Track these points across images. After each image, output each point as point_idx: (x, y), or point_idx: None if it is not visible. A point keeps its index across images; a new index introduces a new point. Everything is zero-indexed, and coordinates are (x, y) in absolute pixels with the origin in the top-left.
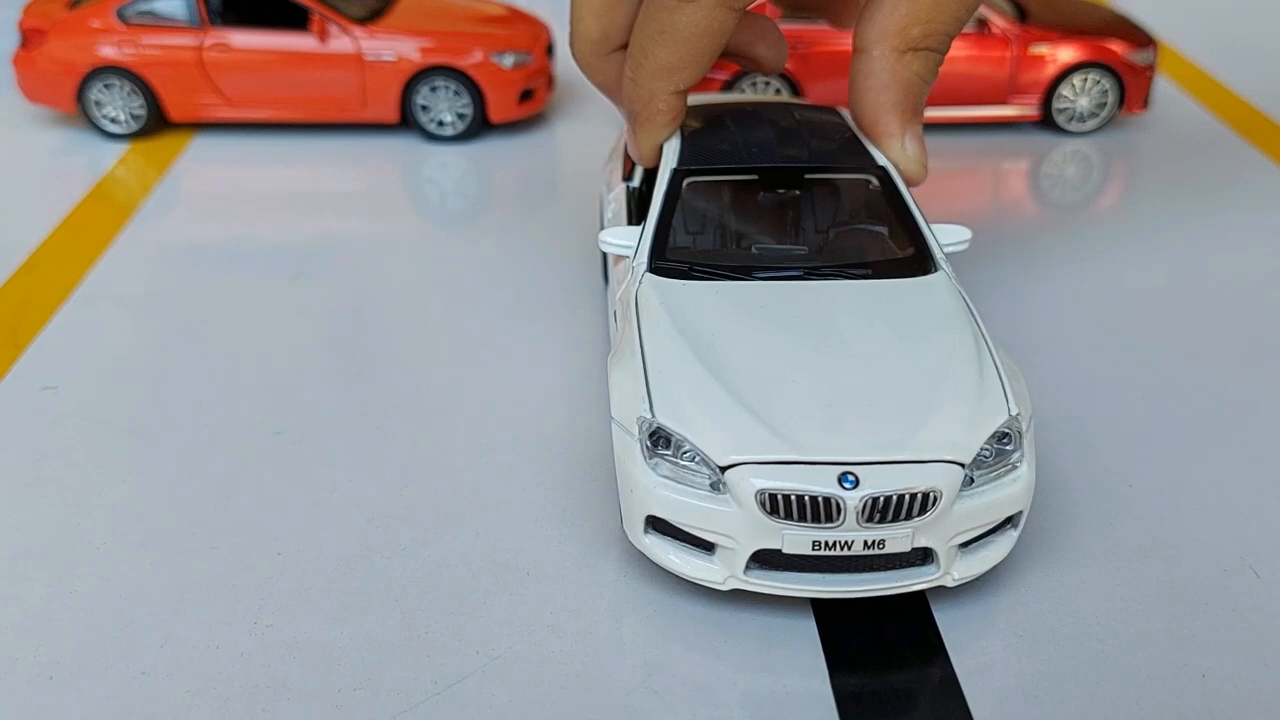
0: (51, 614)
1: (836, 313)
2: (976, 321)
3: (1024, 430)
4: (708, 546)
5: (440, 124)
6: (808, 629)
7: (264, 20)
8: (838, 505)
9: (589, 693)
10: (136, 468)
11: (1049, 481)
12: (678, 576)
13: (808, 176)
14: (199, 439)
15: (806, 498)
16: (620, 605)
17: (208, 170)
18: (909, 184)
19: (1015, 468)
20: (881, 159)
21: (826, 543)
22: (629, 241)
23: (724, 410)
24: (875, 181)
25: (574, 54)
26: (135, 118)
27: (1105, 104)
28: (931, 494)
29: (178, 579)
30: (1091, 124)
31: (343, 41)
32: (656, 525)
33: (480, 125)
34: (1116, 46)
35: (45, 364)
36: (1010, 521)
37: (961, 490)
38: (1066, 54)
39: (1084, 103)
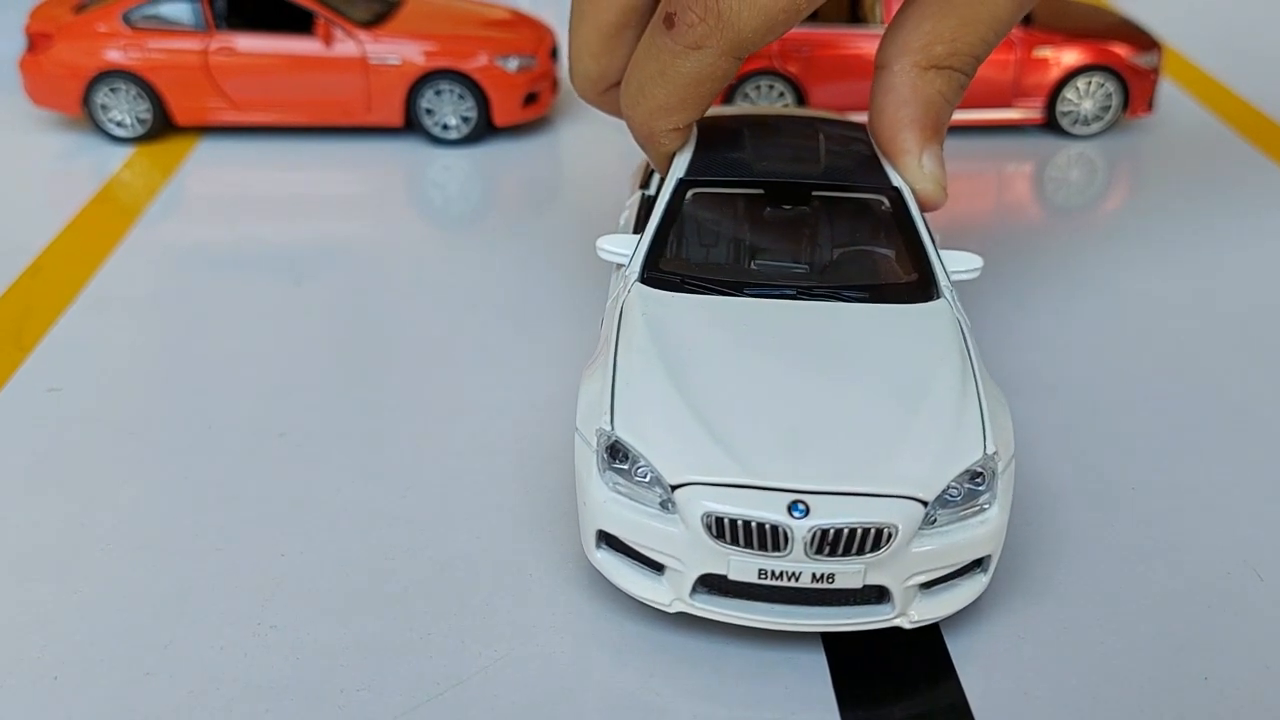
0: (56, 615)
1: (823, 335)
2: (970, 353)
3: (999, 471)
4: (658, 567)
5: (445, 127)
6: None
7: (269, 24)
8: (785, 534)
9: (592, 694)
10: (140, 469)
11: (1052, 484)
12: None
13: (816, 194)
14: (203, 441)
15: (754, 524)
16: (624, 607)
17: (213, 174)
18: (926, 207)
19: (984, 509)
20: (897, 180)
21: (773, 572)
22: (626, 250)
23: (682, 428)
24: (886, 202)
25: (575, 89)
26: (141, 121)
27: (1109, 107)
28: (886, 530)
29: (181, 580)
30: (1096, 127)
31: (347, 45)
32: (609, 541)
33: (484, 129)
34: (1121, 50)
35: (50, 366)
36: (980, 565)
37: (922, 528)
38: (1070, 57)
39: (1088, 106)
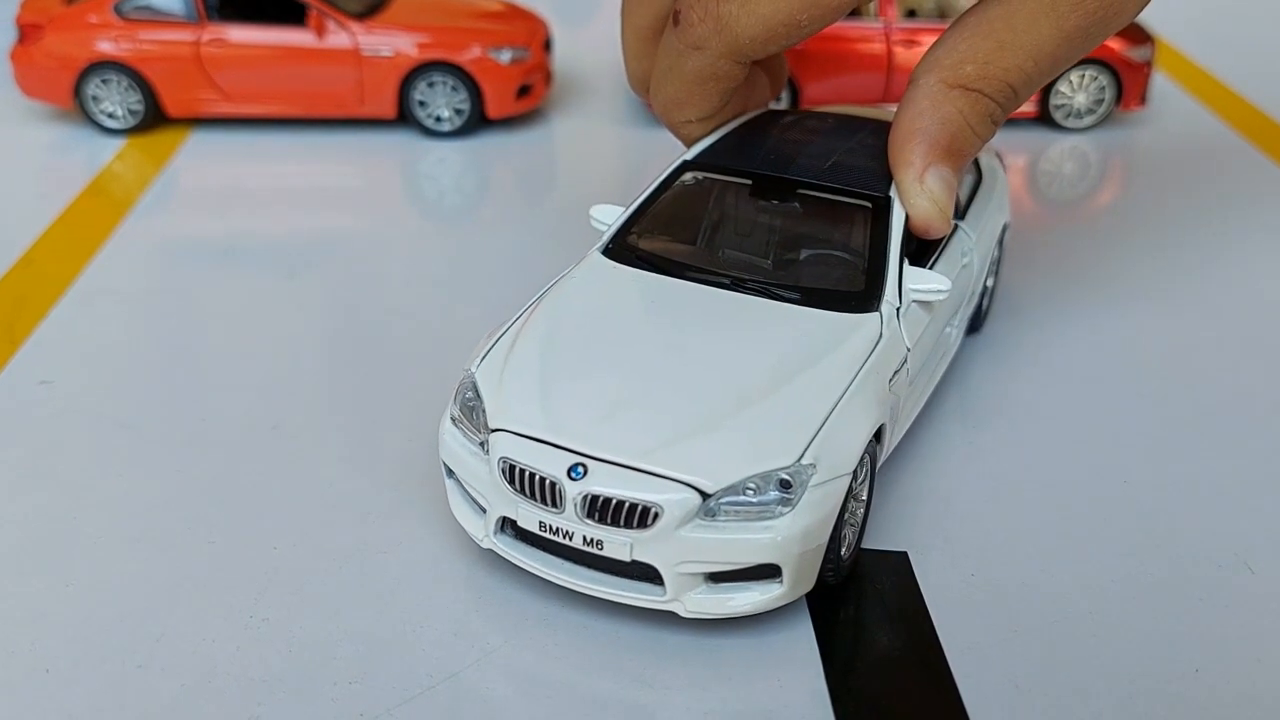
0: (48, 608)
1: (727, 327)
2: (863, 369)
3: (809, 484)
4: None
5: (438, 119)
6: (801, 619)
7: (261, 15)
8: (560, 492)
9: (584, 687)
10: (132, 462)
11: (1042, 475)
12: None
13: (804, 193)
14: (195, 434)
15: (537, 477)
16: (618, 605)
17: (205, 166)
18: (919, 229)
19: (776, 517)
20: (893, 191)
21: (551, 526)
22: (610, 219)
23: (524, 383)
24: (870, 209)
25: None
26: (133, 113)
27: (1103, 100)
28: (653, 510)
29: (173, 573)
30: (1089, 120)
31: (340, 37)
32: (452, 472)
33: (478, 121)
34: (1114, 43)
35: (42, 359)
36: (776, 575)
37: (701, 519)
38: None
39: (1081, 99)
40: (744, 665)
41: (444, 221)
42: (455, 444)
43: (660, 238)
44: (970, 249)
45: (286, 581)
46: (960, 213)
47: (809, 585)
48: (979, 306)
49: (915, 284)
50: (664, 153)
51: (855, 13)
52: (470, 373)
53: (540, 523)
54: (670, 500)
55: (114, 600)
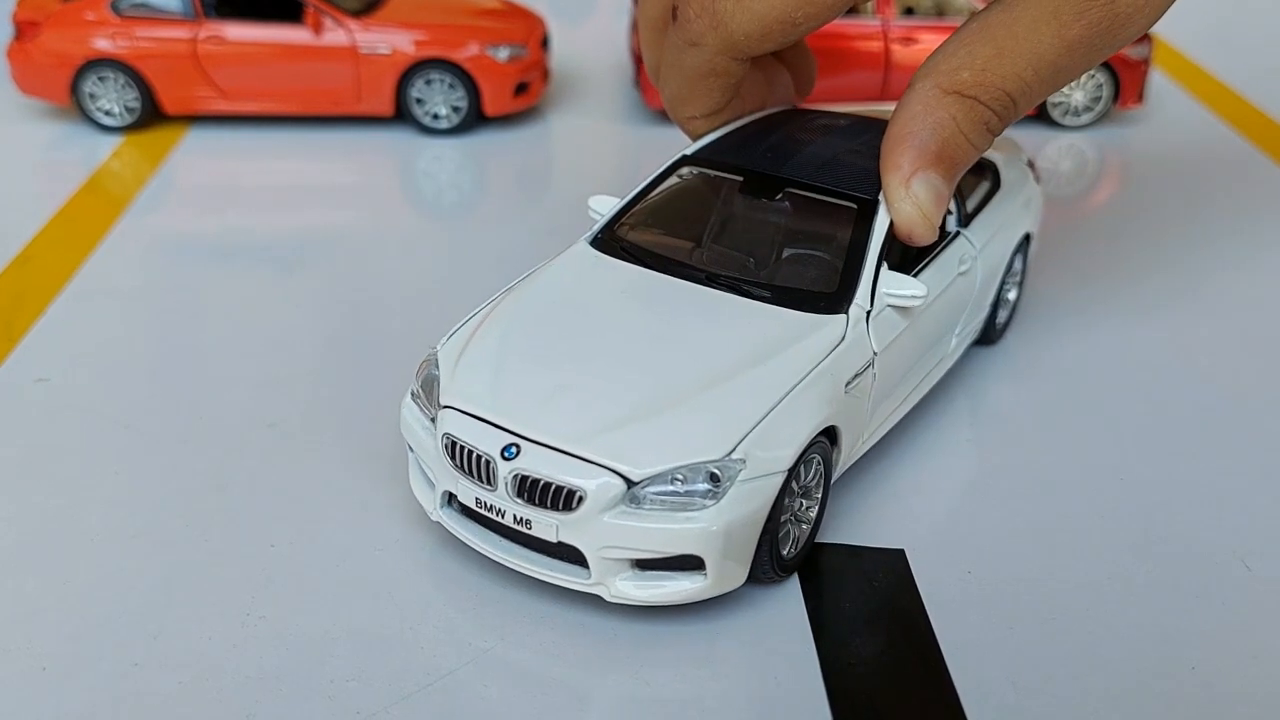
0: (44, 605)
1: (690, 321)
2: (815, 370)
3: (736, 479)
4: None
5: (435, 117)
6: (797, 616)
7: (258, 13)
8: (493, 470)
9: (580, 685)
10: (129, 459)
11: (1039, 473)
12: None
13: (793, 192)
14: (192, 431)
15: (474, 454)
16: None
17: (202, 163)
18: (903, 236)
19: (700, 509)
20: (882, 198)
21: (485, 503)
22: (606, 210)
23: (480, 362)
24: (855, 209)
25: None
26: (129, 110)
27: (1100, 98)
28: (577, 493)
29: (170, 571)
30: (1086, 118)
31: (337, 34)
32: (413, 448)
33: (475, 118)
34: None
35: (39, 356)
36: (701, 568)
37: (626, 506)
38: None
39: (1079, 97)
40: (740, 663)
41: (441, 219)
42: (412, 419)
43: (648, 230)
44: (972, 257)
45: (283, 579)
46: (965, 220)
47: (737, 580)
48: (991, 317)
49: (891, 289)
50: (661, 149)
51: (853, 10)
52: (435, 350)
53: (476, 499)
54: (595, 485)
55: (111, 598)
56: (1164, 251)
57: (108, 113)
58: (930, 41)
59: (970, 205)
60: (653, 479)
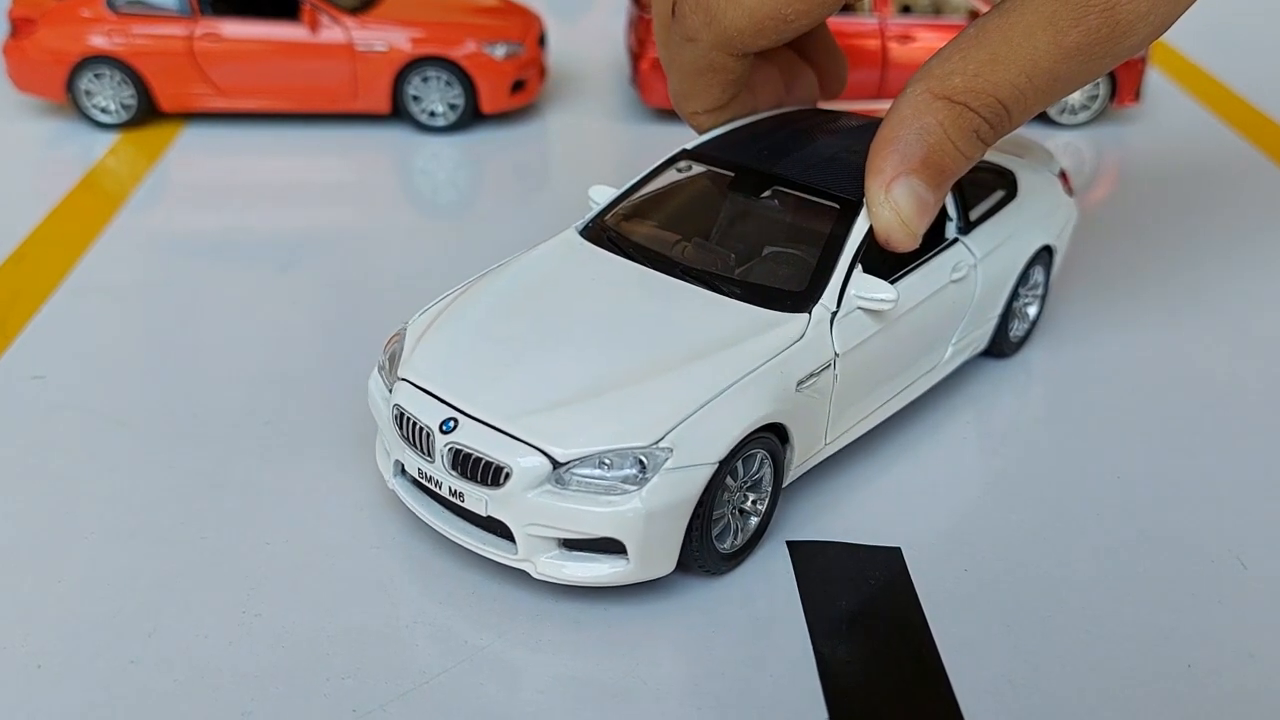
0: (40, 603)
1: (653, 312)
2: (764, 367)
3: (662, 467)
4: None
5: (432, 114)
6: (793, 613)
7: (255, 10)
8: (431, 442)
9: (577, 682)
10: (125, 457)
11: (1035, 472)
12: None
13: (782, 190)
14: (188, 429)
15: (417, 426)
16: (609, 596)
17: (198, 160)
18: (883, 242)
19: (624, 494)
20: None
21: (425, 474)
22: (604, 199)
23: (440, 338)
24: (838, 209)
25: None
26: (125, 107)
27: (1097, 96)
28: (504, 469)
29: (166, 568)
30: (1083, 116)
31: (334, 31)
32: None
33: (472, 116)
34: None
35: (34, 354)
36: (624, 553)
37: (551, 486)
38: None
39: (1075, 95)
40: (737, 661)
41: (438, 217)
42: (375, 390)
43: (638, 222)
44: (969, 265)
45: (279, 577)
46: (965, 227)
47: (664, 568)
48: (1001, 330)
49: (861, 291)
50: (658, 146)
51: (849, 8)
52: (405, 325)
53: (419, 470)
54: (521, 463)
55: (106, 596)
56: (1160, 249)
57: (104, 110)
58: (927, 39)
59: (977, 212)
60: (579, 461)
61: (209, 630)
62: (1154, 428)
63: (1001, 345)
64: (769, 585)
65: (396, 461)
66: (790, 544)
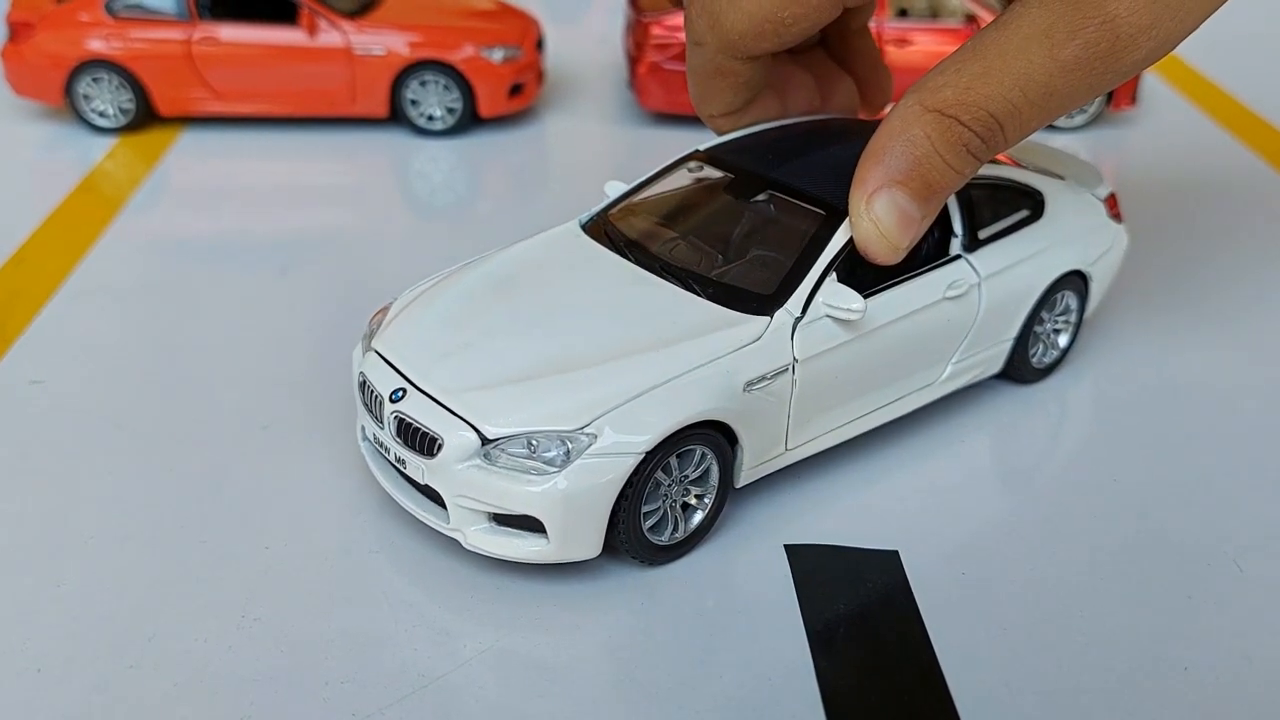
0: (38, 607)
1: (622, 306)
2: (709, 366)
3: (584, 452)
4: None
5: (430, 118)
6: (791, 616)
7: (253, 14)
8: (381, 409)
9: (576, 687)
10: (124, 461)
11: (1032, 475)
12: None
13: (776, 194)
14: (186, 432)
15: (373, 393)
16: (608, 601)
17: (196, 164)
18: (863, 253)
19: (545, 474)
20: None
21: (378, 440)
22: (615, 194)
23: (416, 315)
24: (823, 215)
25: None
26: (124, 111)
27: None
28: (438, 441)
29: (165, 572)
30: (1080, 120)
31: (332, 35)
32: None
33: (470, 120)
34: None
35: (32, 358)
36: (544, 531)
37: (480, 461)
38: None
39: None
40: (735, 665)
41: (435, 220)
42: (356, 360)
43: (638, 218)
44: (970, 284)
45: (278, 580)
46: (971, 243)
47: (587, 551)
48: (1019, 354)
49: (829, 300)
50: (656, 150)
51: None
52: (391, 302)
53: (374, 435)
54: (452, 436)
55: (105, 599)
56: (1156, 252)
57: (102, 114)
58: (925, 43)
59: (989, 230)
60: (509, 439)
61: (208, 634)
62: (1149, 430)
63: (1021, 371)
64: (766, 589)
65: (362, 426)
66: (788, 547)
